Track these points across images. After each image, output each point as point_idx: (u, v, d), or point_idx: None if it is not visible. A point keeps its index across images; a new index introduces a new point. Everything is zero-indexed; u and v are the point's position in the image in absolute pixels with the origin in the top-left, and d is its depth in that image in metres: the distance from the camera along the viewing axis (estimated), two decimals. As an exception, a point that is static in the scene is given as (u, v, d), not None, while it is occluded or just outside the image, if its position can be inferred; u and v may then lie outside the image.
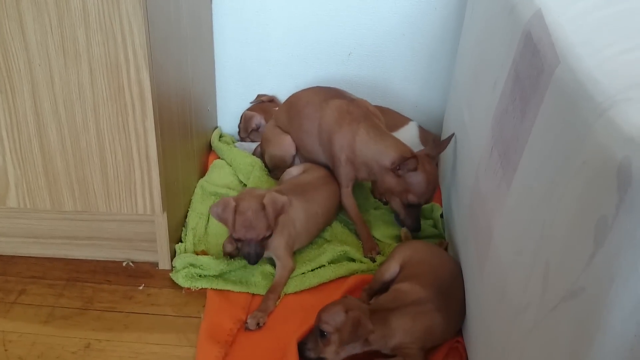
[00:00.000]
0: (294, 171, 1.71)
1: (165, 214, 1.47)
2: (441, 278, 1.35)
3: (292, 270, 1.50)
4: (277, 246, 1.48)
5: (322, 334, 1.23)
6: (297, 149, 1.79)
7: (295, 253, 1.56)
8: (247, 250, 1.40)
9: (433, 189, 1.58)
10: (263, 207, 1.38)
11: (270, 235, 1.42)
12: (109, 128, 1.35)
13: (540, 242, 0.91)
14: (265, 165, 1.85)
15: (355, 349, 1.25)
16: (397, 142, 1.59)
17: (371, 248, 1.60)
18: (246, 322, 1.36)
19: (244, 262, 1.52)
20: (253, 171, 1.80)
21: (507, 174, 1.11)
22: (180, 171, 1.60)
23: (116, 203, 1.44)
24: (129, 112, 1.34)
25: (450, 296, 1.33)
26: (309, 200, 1.57)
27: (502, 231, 1.10)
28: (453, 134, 1.59)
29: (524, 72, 1.10)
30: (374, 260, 1.57)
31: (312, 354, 1.25)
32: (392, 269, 1.42)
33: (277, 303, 1.43)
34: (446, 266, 1.40)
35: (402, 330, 1.26)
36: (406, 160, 1.52)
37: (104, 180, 1.41)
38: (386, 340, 1.25)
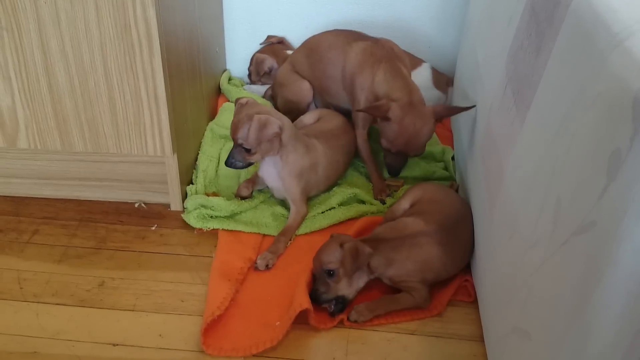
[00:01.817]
0: (307, 119, 1.69)
1: (175, 156, 1.47)
2: (447, 216, 1.35)
3: (305, 215, 1.50)
4: (294, 190, 1.49)
5: (329, 274, 1.24)
6: (320, 95, 1.77)
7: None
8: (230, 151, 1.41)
9: (407, 142, 1.49)
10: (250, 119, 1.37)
11: (251, 151, 1.38)
12: (116, 67, 1.34)
13: (552, 178, 0.90)
14: (276, 108, 1.83)
15: (363, 278, 1.28)
16: (406, 85, 1.54)
17: (381, 190, 1.60)
18: (256, 263, 1.38)
19: (254, 203, 1.53)
20: (263, 112, 1.79)
21: (520, 111, 1.09)
22: (190, 113, 1.59)
23: (126, 144, 1.44)
24: (136, 51, 1.32)
25: (456, 233, 1.33)
26: (332, 147, 1.57)
27: (514, 169, 1.09)
28: (474, 106, 1.47)
29: (540, 5, 1.06)
30: (383, 202, 1.57)
31: (328, 296, 1.26)
32: (402, 207, 1.43)
33: (287, 245, 1.44)
34: (454, 205, 1.40)
35: (398, 261, 1.28)
36: (376, 107, 1.49)
37: (113, 121, 1.41)
38: (385, 268, 1.27)
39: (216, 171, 1.62)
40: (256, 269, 1.37)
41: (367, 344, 1.25)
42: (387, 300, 1.29)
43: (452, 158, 1.69)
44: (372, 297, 1.32)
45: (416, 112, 1.49)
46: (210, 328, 1.22)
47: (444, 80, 1.90)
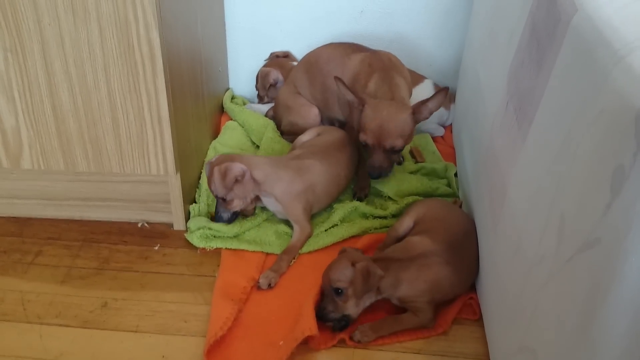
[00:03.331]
0: (305, 137, 1.69)
1: (178, 175, 1.47)
2: (453, 233, 1.34)
3: (310, 235, 1.50)
4: (295, 212, 1.49)
5: (337, 292, 1.24)
6: (321, 110, 1.77)
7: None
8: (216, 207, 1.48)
9: (380, 128, 1.46)
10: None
11: (229, 200, 1.44)
12: (120, 88, 1.34)
13: (556, 194, 0.89)
14: (278, 127, 1.84)
15: (371, 298, 1.26)
16: (392, 90, 1.55)
17: (361, 187, 1.61)
18: (258, 282, 1.37)
19: (257, 221, 1.53)
20: (266, 132, 1.79)
21: (522, 128, 1.09)
22: (192, 132, 1.59)
23: (129, 164, 1.44)
24: (139, 71, 1.32)
25: (462, 252, 1.33)
26: (331, 163, 1.57)
27: (517, 186, 1.09)
28: (447, 88, 1.49)
29: (540, 22, 1.07)
30: (360, 200, 1.57)
31: (335, 315, 1.25)
32: (405, 224, 1.42)
33: (291, 264, 1.44)
34: (459, 222, 1.39)
35: (407, 281, 1.27)
36: (355, 90, 1.51)
37: (116, 141, 1.41)
38: (394, 289, 1.26)
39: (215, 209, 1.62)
40: (259, 288, 1.37)
41: (371, 364, 1.24)
42: (391, 320, 1.28)
43: (455, 175, 1.69)
44: (376, 315, 1.31)
45: (393, 102, 1.50)
46: (214, 349, 1.21)
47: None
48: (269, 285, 1.36)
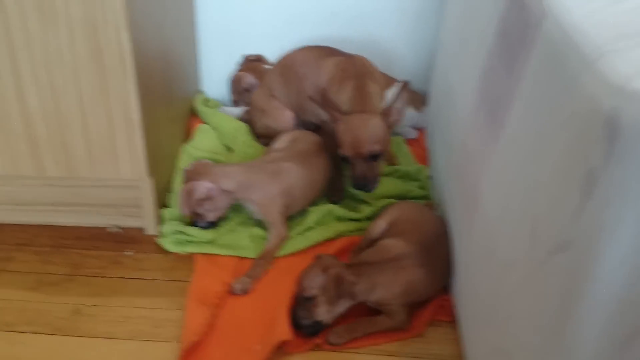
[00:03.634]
0: (279, 144, 1.67)
1: (150, 179, 1.46)
2: (426, 235, 1.35)
3: (285, 238, 1.49)
4: (271, 214, 1.48)
5: (308, 300, 1.23)
6: (296, 114, 1.77)
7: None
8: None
9: (356, 137, 1.46)
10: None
11: (202, 213, 1.46)
12: (90, 91, 1.32)
13: (528, 197, 0.91)
14: (252, 130, 1.83)
15: (345, 304, 1.26)
16: (364, 102, 1.55)
17: (336, 190, 1.63)
18: (232, 287, 1.36)
19: (231, 225, 1.52)
20: (239, 136, 1.78)
21: (494, 131, 1.10)
22: (164, 135, 1.58)
23: (100, 168, 1.42)
24: (109, 74, 1.31)
25: (435, 253, 1.34)
26: (309, 167, 1.56)
27: (490, 188, 1.10)
28: (407, 82, 1.52)
29: (510, 27, 1.08)
30: (335, 203, 1.58)
31: (306, 321, 1.25)
32: (379, 227, 1.43)
33: (266, 269, 1.43)
34: (431, 224, 1.40)
35: (382, 285, 1.27)
36: (332, 106, 1.52)
37: (86, 145, 1.39)
38: (369, 293, 1.27)
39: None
40: (233, 293, 1.35)
41: (347, 367, 1.24)
42: (366, 322, 1.28)
43: (429, 177, 1.70)
44: (351, 318, 1.31)
45: (363, 113, 1.51)
46: (188, 355, 1.20)
47: (419, 99, 1.92)
48: (243, 290, 1.35)
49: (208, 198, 1.43)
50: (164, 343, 1.26)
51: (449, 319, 1.33)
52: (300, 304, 1.25)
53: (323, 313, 1.24)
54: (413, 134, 1.91)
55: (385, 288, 1.27)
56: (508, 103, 1.04)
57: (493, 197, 1.08)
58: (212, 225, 1.50)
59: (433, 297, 1.35)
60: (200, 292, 1.33)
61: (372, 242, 1.43)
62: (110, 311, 1.33)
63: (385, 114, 1.50)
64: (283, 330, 1.22)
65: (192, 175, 1.45)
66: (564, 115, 0.82)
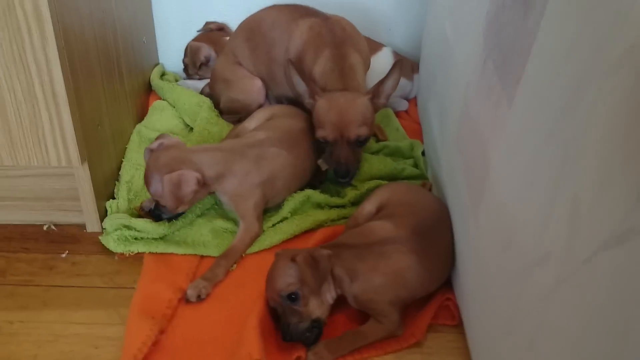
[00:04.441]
0: (252, 123, 1.40)
1: (86, 165, 1.20)
2: (421, 219, 1.11)
3: (257, 236, 1.24)
4: (243, 206, 1.23)
5: (292, 299, 1.00)
6: (266, 85, 1.52)
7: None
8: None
9: (340, 116, 1.26)
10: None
11: (164, 205, 1.20)
12: (1, 59, 1.06)
13: (563, 170, 0.66)
14: (216, 106, 1.57)
15: (331, 292, 1.04)
16: (344, 79, 1.33)
17: (317, 174, 1.39)
18: (186, 293, 1.12)
19: (189, 218, 1.27)
20: (201, 112, 1.52)
21: (507, 87, 0.86)
22: (106, 114, 1.32)
23: (23, 154, 1.17)
24: (24, 36, 1.05)
25: (432, 240, 1.10)
26: (299, 154, 1.31)
27: (503, 161, 0.85)
28: (399, 60, 1.30)
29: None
30: (314, 188, 1.34)
31: (304, 324, 1.01)
32: (366, 211, 1.19)
33: (231, 269, 1.18)
34: (428, 207, 1.16)
35: (363, 273, 1.04)
36: (311, 83, 1.31)
37: (4, 125, 1.14)
38: (349, 284, 1.04)
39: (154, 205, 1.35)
40: (187, 301, 1.11)
41: (330, 389, 1.00)
42: (350, 336, 1.04)
43: (423, 153, 1.45)
44: (336, 330, 1.07)
45: (347, 92, 1.30)
46: (128, 383, 0.95)
47: (408, 66, 1.67)
48: (199, 297, 1.11)
49: (194, 191, 1.18)
50: (100, 368, 1.01)
51: (454, 322, 1.10)
52: (285, 311, 1.01)
53: (316, 307, 1.01)
54: (403, 106, 1.66)
55: (366, 278, 1.04)
56: (525, 49, 0.80)
57: (508, 172, 0.83)
58: (176, 217, 1.24)
59: (433, 296, 1.11)
60: (146, 302, 1.08)
61: (358, 231, 1.20)
62: (38, 328, 1.08)
63: (373, 95, 1.29)
64: (252, 348, 0.97)
65: (172, 162, 1.17)
66: (615, 53, 0.57)
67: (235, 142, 1.30)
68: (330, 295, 1.04)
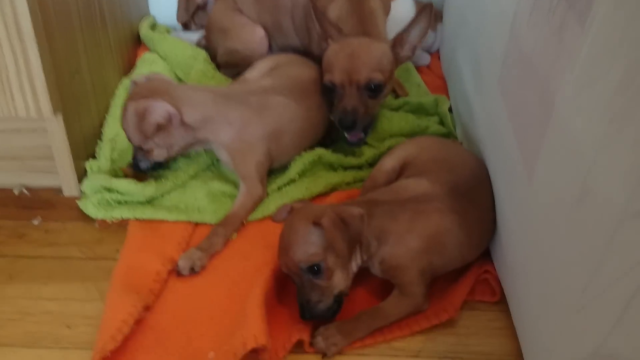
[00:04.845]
0: (253, 73, 1.22)
1: (60, 118, 1.03)
2: (459, 177, 0.94)
3: (260, 199, 1.07)
4: (245, 166, 1.07)
5: (314, 272, 0.83)
6: (270, 35, 1.34)
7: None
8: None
9: (351, 59, 1.10)
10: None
11: (147, 149, 1.04)
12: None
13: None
14: (213, 61, 1.39)
15: (357, 260, 0.86)
16: (368, 25, 1.18)
17: (328, 131, 1.21)
18: (177, 265, 0.95)
19: (182, 179, 1.10)
20: (195, 64, 1.34)
21: (576, 6, 0.68)
22: (86, 63, 1.14)
23: (-14, 103, 0.99)
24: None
25: (472, 201, 0.93)
26: (309, 105, 1.14)
27: (573, 95, 0.67)
28: (429, 4, 1.10)
29: None
30: (327, 146, 1.17)
31: (326, 303, 0.84)
32: (388, 167, 1.02)
33: (231, 238, 1.01)
34: (465, 164, 0.98)
35: (396, 234, 0.87)
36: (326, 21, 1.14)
37: (-38, 69, 0.96)
38: (377, 245, 0.87)
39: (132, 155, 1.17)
40: (178, 274, 0.94)
41: (349, 377, 0.83)
42: (368, 316, 0.87)
43: (450, 110, 1.27)
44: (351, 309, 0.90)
45: (364, 37, 1.14)
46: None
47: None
48: (192, 269, 0.94)
49: (164, 127, 1.01)
50: (73, 352, 0.85)
51: (494, 298, 0.94)
52: (304, 284, 0.84)
53: (341, 280, 0.84)
54: (425, 60, 1.48)
55: (399, 240, 0.87)
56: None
57: (582, 109, 0.65)
58: (156, 167, 1.08)
59: (468, 268, 0.94)
60: (130, 274, 0.92)
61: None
62: (3, 305, 0.92)
63: (395, 43, 1.11)
64: (257, 331, 0.80)
65: (144, 92, 1.02)
66: None
67: (234, 87, 1.13)
68: (355, 263, 0.86)
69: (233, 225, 1.02)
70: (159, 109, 0.99)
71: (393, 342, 0.88)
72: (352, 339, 0.86)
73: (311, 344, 0.84)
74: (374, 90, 1.10)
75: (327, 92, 1.13)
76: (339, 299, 0.85)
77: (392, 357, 0.86)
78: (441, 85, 1.39)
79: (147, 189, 1.04)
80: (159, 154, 1.05)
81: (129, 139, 1.04)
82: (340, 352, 0.85)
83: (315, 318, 0.84)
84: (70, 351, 0.85)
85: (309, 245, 0.82)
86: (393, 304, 0.88)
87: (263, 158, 1.08)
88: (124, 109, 1.02)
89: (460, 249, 0.91)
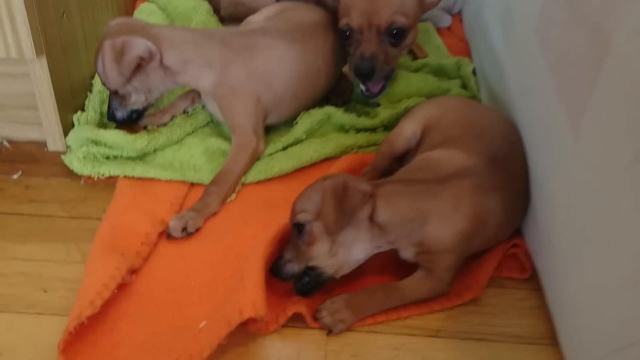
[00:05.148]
0: (257, 17, 1.13)
1: (44, 61, 0.93)
2: (492, 144, 0.83)
3: (255, 153, 0.97)
4: (234, 111, 0.96)
5: (299, 231, 0.74)
6: None
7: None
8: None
9: (369, 8, 0.98)
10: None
11: (122, 94, 0.95)
12: None
13: None
14: (216, 12, 1.28)
15: (363, 245, 0.75)
16: None
17: (340, 91, 1.10)
18: (168, 226, 0.85)
19: (177, 134, 1.00)
20: (196, 16, 1.23)
21: None
22: (76, 7, 1.03)
23: (-40, 40, 0.89)
24: None
25: (509, 173, 0.82)
26: (306, 47, 1.02)
27: (635, 38, 0.57)
28: None
29: None
30: (338, 106, 1.06)
31: (294, 267, 0.75)
32: (408, 131, 0.91)
33: (226, 199, 0.91)
34: (497, 128, 0.87)
35: (439, 216, 0.75)
36: None
37: None
38: (417, 229, 0.75)
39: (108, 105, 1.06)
40: (169, 236, 0.84)
41: (359, 357, 0.73)
42: (383, 292, 0.77)
43: (474, 73, 1.16)
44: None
45: None
46: (80, 338, 0.69)
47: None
48: (185, 230, 0.84)
49: (143, 65, 0.92)
50: (49, 318, 0.75)
51: (524, 275, 0.84)
52: (290, 241, 0.77)
53: (321, 253, 0.74)
54: (446, 21, 1.37)
55: (444, 220, 0.76)
56: None
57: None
58: (134, 117, 0.98)
59: (500, 241, 0.84)
60: (115, 234, 0.82)
61: (395, 159, 0.92)
62: (-28, 266, 0.82)
63: None
64: (256, 298, 0.70)
65: (121, 29, 0.92)
66: None
67: (219, 29, 1.04)
68: (359, 249, 0.75)
69: (227, 182, 0.92)
70: (139, 45, 0.90)
71: (408, 319, 0.78)
72: (362, 316, 0.76)
73: (315, 318, 0.75)
74: (395, 36, 0.99)
75: (344, 39, 1.02)
76: (314, 279, 0.75)
77: (407, 337, 0.76)
78: (463, 48, 1.28)
79: (137, 141, 0.94)
80: (136, 100, 0.96)
81: (104, 83, 0.95)
82: (349, 329, 0.75)
83: (279, 277, 0.76)
84: (45, 317, 0.75)
85: (308, 202, 0.74)
86: (414, 285, 0.78)
87: (252, 105, 0.97)
88: (99, 48, 0.92)
89: (499, 229, 0.81)
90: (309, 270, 0.74)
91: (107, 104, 1.02)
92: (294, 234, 0.75)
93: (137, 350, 0.70)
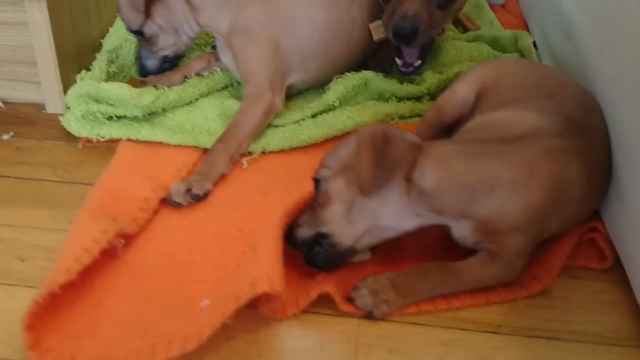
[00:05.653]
0: None
1: (43, 4, 0.81)
2: (567, 105, 0.68)
3: (271, 108, 0.83)
4: (247, 58, 0.84)
5: (316, 187, 0.61)
6: None
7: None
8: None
9: None
10: None
11: (149, 35, 0.86)
12: None
13: None
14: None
15: (408, 215, 0.61)
16: None
17: (382, 58, 0.96)
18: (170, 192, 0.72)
19: (189, 95, 0.87)
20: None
21: None
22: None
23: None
24: None
25: (589, 139, 0.66)
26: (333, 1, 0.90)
27: None
28: None
29: None
30: (385, 72, 0.92)
31: (302, 232, 0.62)
32: (460, 95, 0.77)
33: (236, 160, 0.78)
34: (568, 90, 0.72)
35: (509, 182, 0.60)
36: None
37: None
38: (483, 199, 0.60)
39: (136, 58, 0.95)
40: (171, 201, 0.71)
41: (398, 353, 0.58)
42: (438, 274, 0.63)
43: (534, 46, 1.01)
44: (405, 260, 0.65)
45: None
46: (54, 313, 0.56)
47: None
48: (190, 193, 0.70)
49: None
50: (20, 290, 0.62)
51: (605, 265, 0.70)
52: (311, 205, 0.64)
53: (334, 220, 0.60)
54: (500, -2, 1.23)
55: (515, 191, 0.61)
56: None
57: None
58: (166, 67, 0.90)
59: (581, 222, 0.69)
60: (107, 198, 0.70)
61: (444, 126, 0.78)
62: (-51, 230, 0.70)
63: None
64: (267, 273, 0.56)
65: None
66: None
67: None
68: (393, 214, 0.61)
69: (235, 139, 0.78)
70: None
71: (460, 311, 0.63)
72: (411, 300, 0.62)
73: (350, 299, 0.60)
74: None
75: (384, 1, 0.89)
76: (330, 246, 0.61)
77: (460, 331, 0.61)
78: (518, 24, 1.14)
79: (143, 96, 0.82)
80: (165, 44, 0.88)
81: (127, 23, 0.86)
82: (385, 319, 0.61)
83: (289, 244, 0.62)
84: (18, 289, 0.63)
85: (333, 157, 0.62)
86: (476, 269, 0.63)
87: (269, 52, 0.85)
88: None
89: (581, 205, 0.65)
90: (320, 237, 0.61)
91: (116, 65, 0.91)
92: (316, 192, 0.62)
93: (123, 331, 0.56)
